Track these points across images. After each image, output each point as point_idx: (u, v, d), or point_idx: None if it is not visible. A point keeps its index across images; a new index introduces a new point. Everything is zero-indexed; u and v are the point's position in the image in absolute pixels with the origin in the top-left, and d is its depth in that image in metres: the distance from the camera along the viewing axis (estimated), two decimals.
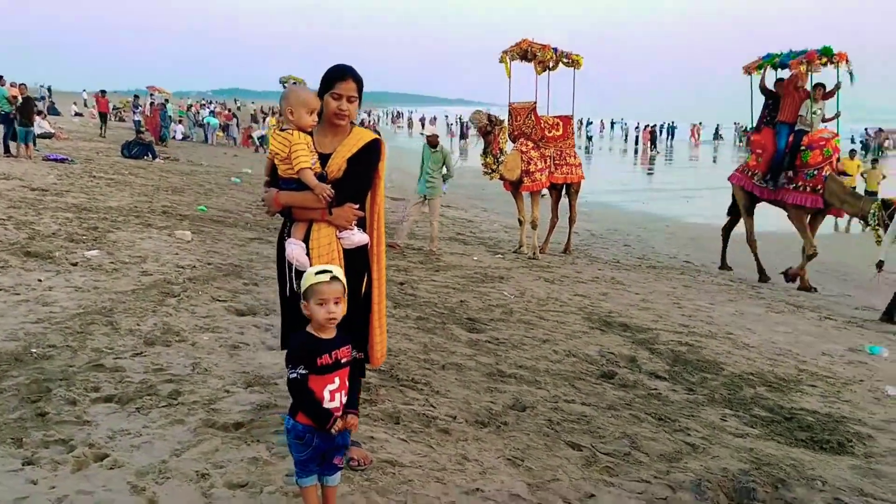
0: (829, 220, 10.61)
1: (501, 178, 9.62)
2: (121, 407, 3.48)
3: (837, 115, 9.80)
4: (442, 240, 9.93)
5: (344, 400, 2.45)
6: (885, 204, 8.27)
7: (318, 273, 2.40)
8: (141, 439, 3.15)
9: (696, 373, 5.06)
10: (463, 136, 41.89)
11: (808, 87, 9.52)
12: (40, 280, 5.65)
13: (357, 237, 2.96)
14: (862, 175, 16.50)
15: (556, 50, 9.99)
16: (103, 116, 26.24)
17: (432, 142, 9.53)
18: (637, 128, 48.43)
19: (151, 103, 29.69)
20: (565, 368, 4.86)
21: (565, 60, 10.20)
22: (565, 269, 9.11)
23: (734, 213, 10.72)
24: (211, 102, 52.83)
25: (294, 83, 18.59)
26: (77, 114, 37.45)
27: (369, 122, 48.82)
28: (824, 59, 9.26)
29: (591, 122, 48.69)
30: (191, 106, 40.40)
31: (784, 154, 9.50)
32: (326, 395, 2.39)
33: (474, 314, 6.12)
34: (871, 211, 8.35)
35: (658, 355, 5.40)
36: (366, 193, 3.05)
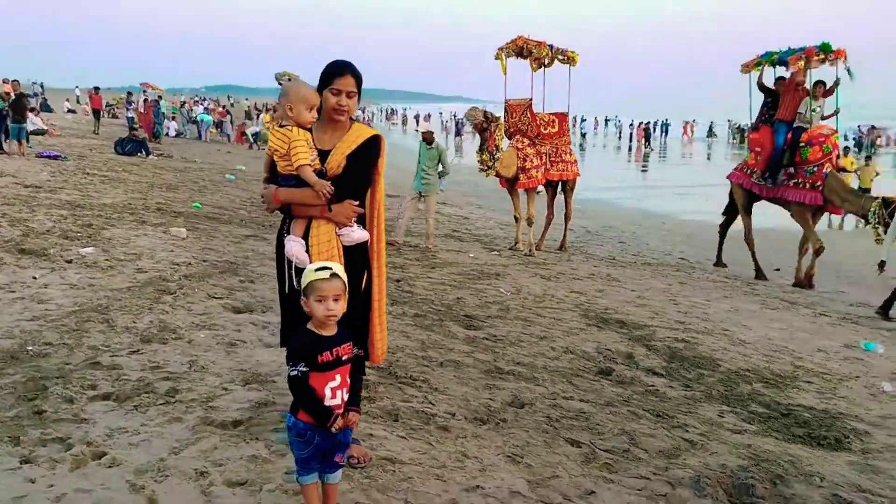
0: (823, 217, 10.63)
1: (497, 175, 9.63)
2: (118, 405, 3.46)
3: (837, 112, 9.80)
4: (438, 237, 9.93)
5: (345, 397, 2.44)
6: (886, 202, 8.23)
7: (317, 270, 2.39)
8: (139, 437, 3.14)
9: (692, 369, 5.08)
10: (458, 132, 41.83)
11: (807, 85, 9.53)
12: (35, 277, 5.62)
13: (357, 234, 2.95)
14: (855, 172, 16.58)
15: (551, 47, 9.97)
16: (97, 113, 26.17)
17: (428, 139, 9.53)
18: (631, 125, 48.52)
19: (145, 100, 29.55)
20: (563, 365, 4.87)
21: (561, 57, 10.19)
22: (561, 265, 9.12)
23: (730, 212, 10.74)
24: (205, 99, 52.58)
25: (289, 79, 18.52)
26: (70, 110, 37.26)
27: (363, 119, 48.70)
28: (822, 56, 9.27)
29: (585, 120, 48.77)
30: (184, 102, 40.23)
31: (783, 151, 9.49)
32: (328, 392, 2.37)
33: (471, 311, 6.11)
34: (872, 209, 8.31)
35: (655, 352, 5.41)
36: (365, 190, 3.04)
